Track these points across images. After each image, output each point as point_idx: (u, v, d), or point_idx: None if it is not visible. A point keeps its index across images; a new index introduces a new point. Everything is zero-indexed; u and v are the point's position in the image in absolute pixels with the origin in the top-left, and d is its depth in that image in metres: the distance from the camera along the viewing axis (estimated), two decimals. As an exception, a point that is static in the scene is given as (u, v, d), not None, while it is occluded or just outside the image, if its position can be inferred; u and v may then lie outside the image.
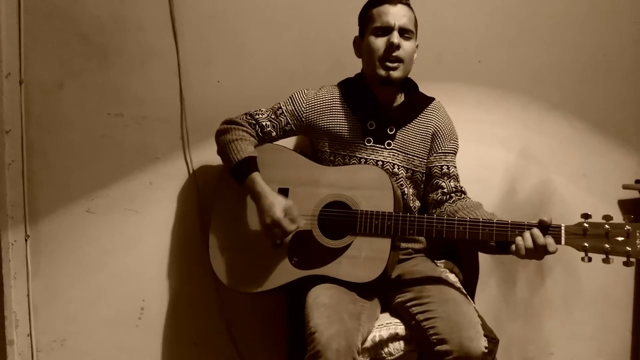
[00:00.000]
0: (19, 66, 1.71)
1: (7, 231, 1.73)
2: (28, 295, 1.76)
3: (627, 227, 1.24)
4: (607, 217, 1.26)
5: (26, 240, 1.75)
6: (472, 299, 1.65)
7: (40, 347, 1.79)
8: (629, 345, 2.06)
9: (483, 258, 1.73)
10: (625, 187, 1.97)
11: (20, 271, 1.75)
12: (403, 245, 1.59)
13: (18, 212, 1.74)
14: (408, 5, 1.51)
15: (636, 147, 2.00)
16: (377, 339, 1.39)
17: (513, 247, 1.29)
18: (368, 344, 1.37)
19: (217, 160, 1.60)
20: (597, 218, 1.27)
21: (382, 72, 1.48)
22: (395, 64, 1.47)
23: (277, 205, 1.42)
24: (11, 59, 1.71)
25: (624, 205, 2.00)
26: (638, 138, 2.00)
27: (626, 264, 1.24)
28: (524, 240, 1.28)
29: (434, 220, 1.38)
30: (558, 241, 1.28)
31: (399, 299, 1.44)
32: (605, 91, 1.98)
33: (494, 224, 1.33)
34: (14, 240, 1.74)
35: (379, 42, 1.48)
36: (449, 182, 1.55)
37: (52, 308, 1.78)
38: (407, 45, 1.48)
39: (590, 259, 1.26)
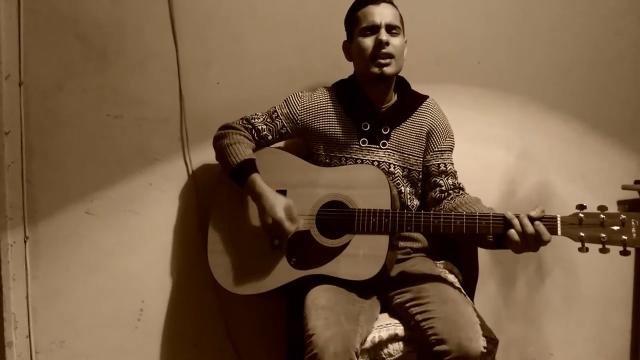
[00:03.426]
0: (19, 68, 1.72)
1: (6, 232, 1.73)
2: (27, 297, 1.75)
3: (622, 216, 1.24)
4: (602, 208, 1.26)
5: (25, 241, 1.75)
6: (472, 299, 1.64)
7: (39, 348, 1.78)
8: (628, 345, 2.05)
9: (482, 258, 1.73)
10: (624, 187, 1.97)
11: (20, 273, 1.75)
12: (401, 244, 1.59)
13: (17, 214, 1.74)
14: (391, 2, 1.52)
15: (635, 148, 2.00)
16: (376, 339, 1.38)
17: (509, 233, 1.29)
18: (367, 344, 1.37)
19: (216, 161, 1.60)
20: (593, 215, 1.27)
21: (376, 70, 1.49)
22: (387, 60, 1.48)
23: (278, 205, 1.43)
24: (11, 60, 1.71)
25: (623, 205, 1.99)
26: (637, 138, 2.00)
27: (623, 253, 1.24)
28: (515, 226, 1.28)
29: (431, 216, 1.39)
30: (554, 232, 1.28)
31: (397, 300, 1.43)
32: (604, 92, 1.98)
33: (491, 217, 1.34)
34: (13, 241, 1.74)
35: (368, 41, 1.49)
36: (447, 179, 1.56)
37: (51, 309, 1.78)
38: (395, 41, 1.49)
39: (587, 249, 1.26)
